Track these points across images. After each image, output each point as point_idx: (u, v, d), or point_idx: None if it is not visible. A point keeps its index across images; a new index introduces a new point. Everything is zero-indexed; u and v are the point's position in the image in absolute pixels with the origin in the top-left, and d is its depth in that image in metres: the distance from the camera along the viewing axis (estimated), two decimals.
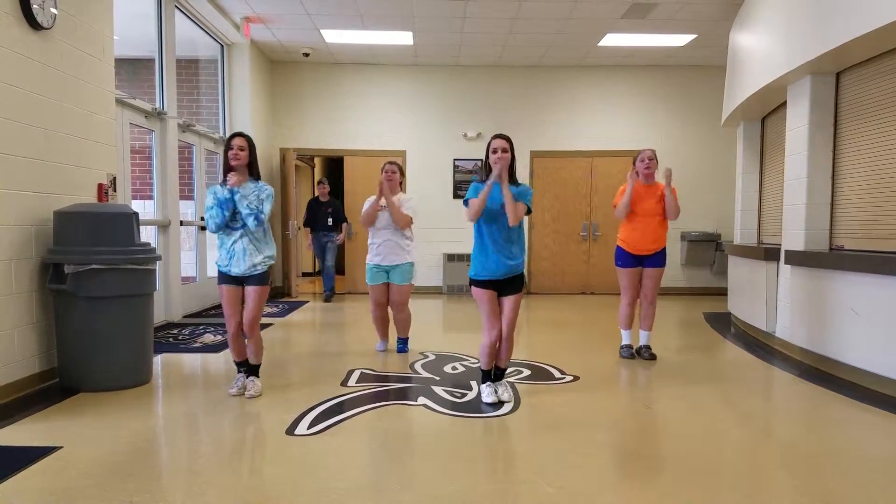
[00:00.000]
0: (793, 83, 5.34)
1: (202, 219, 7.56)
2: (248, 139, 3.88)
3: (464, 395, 3.96)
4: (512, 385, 4.17)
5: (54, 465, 2.78)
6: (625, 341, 5.17)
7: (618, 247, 5.07)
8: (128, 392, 3.98)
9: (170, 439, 3.22)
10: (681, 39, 8.36)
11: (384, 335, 5.33)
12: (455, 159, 9.81)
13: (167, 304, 6.58)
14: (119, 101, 5.52)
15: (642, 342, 5.14)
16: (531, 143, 9.77)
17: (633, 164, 5.01)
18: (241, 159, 3.81)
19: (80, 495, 2.47)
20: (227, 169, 3.83)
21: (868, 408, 3.80)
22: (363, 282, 5.32)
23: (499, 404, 3.73)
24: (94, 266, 3.87)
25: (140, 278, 4.11)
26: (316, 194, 9.25)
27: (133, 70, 7.33)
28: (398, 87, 9.74)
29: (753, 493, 2.59)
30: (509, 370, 4.55)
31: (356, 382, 4.26)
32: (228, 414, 3.58)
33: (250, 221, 3.75)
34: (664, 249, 5.00)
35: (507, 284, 3.69)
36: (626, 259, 5.02)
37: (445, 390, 4.04)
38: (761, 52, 5.89)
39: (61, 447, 2.97)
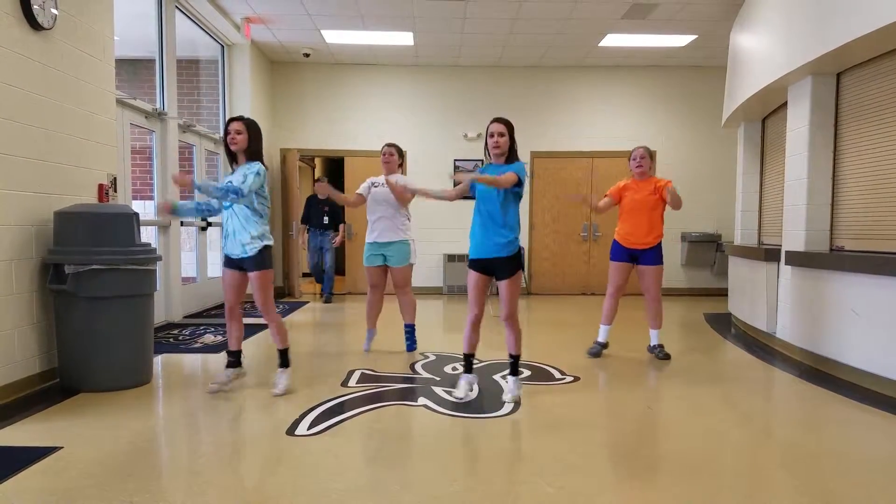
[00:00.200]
0: (793, 84, 5.34)
1: (203, 219, 7.57)
2: (247, 122, 3.86)
3: (464, 395, 3.95)
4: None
5: (54, 465, 2.78)
6: (600, 338, 5.17)
7: (614, 240, 5.13)
8: (128, 392, 3.98)
9: (170, 439, 3.22)
10: (681, 40, 8.36)
11: (373, 323, 5.31)
12: (455, 160, 9.81)
13: (167, 305, 6.58)
14: (119, 102, 5.52)
15: (653, 342, 5.14)
16: (531, 143, 9.77)
17: (629, 161, 5.06)
18: (239, 143, 3.80)
19: (80, 495, 2.47)
20: (228, 153, 3.86)
21: (868, 408, 3.80)
22: (363, 282, 5.32)
23: (500, 405, 3.73)
24: (94, 266, 3.87)
25: (140, 278, 4.12)
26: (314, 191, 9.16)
27: (133, 70, 7.33)
28: (398, 87, 9.74)
29: (753, 493, 2.59)
30: (509, 370, 4.55)
31: (356, 383, 4.26)
32: (229, 414, 3.58)
33: (230, 197, 3.71)
34: (659, 246, 5.00)
35: (500, 268, 3.70)
36: (617, 253, 5.07)
37: (446, 391, 4.04)
38: (762, 52, 5.89)
39: (61, 447, 2.97)
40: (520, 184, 3.63)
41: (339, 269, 10.69)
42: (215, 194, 3.70)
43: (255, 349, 5.36)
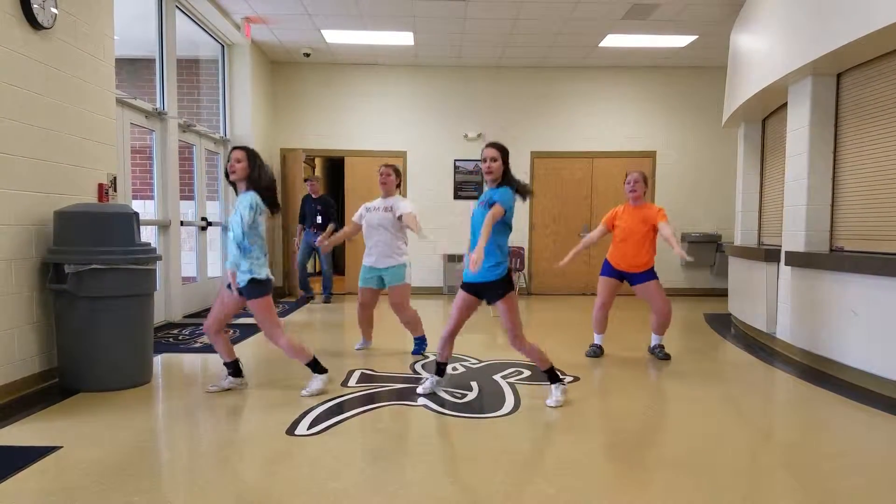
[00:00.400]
0: (793, 84, 5.34)
1: (203, 219, 7.56)
2: (248, 151, 3.87)
3: (464, 395, 3.96)
4: (512, 386, 4.17)
5: (54, 465, 2.78)
6: (596, 342, 5.22)
7: (605, 259, 5.18)
8: (128, 392, 3.98)
9: (170, 439, 3.22)
10: (682, 40, 8.36)
11: (367, 337, 5.35)
12: (456, 160, 9.81)
13: (167, 305, 6.58)
14: (119, 101, 5.52)
15: (654, 342, 5.15)
16: (532, 143, 9.78)
17: (623, 184, 5.07)
18: (238, 171, 3.81)
19: (79, 495, 2.47)
20: (229, 182, 3.90)
21: (868, 409, 3.80)
22: None
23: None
24: (94, 266, 3.87)
25: (140, 278, 4.12)
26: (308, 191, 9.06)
27: (133, 70, 7.32)
28: (399, 87, 9.74)
29: (753, 493, 2.59)
30: (509, 370, 4.56)
31: (356, 383, 4.26)
32: (228, 414, 3.58)
33: (244, 247, 3.78)
34: (651, 269, 5.02)
35: (488, 291, 3.73)
36: (606, 269, 5.13)
37: (445, 391, 4.04)
38: (762, 53, 5.89)
39: (61, 447, 2.97)
40: (506, 212, 3.65)
41: (339, 269, 10.69)
42: (239, 254, 3.76)
43: (256, 349, 5.36)
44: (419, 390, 3.95)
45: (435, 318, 7.40)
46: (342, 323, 7.10)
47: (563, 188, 9.89)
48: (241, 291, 3.82)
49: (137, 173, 6.69)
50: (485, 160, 3.69)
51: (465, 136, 9.75)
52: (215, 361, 4.88)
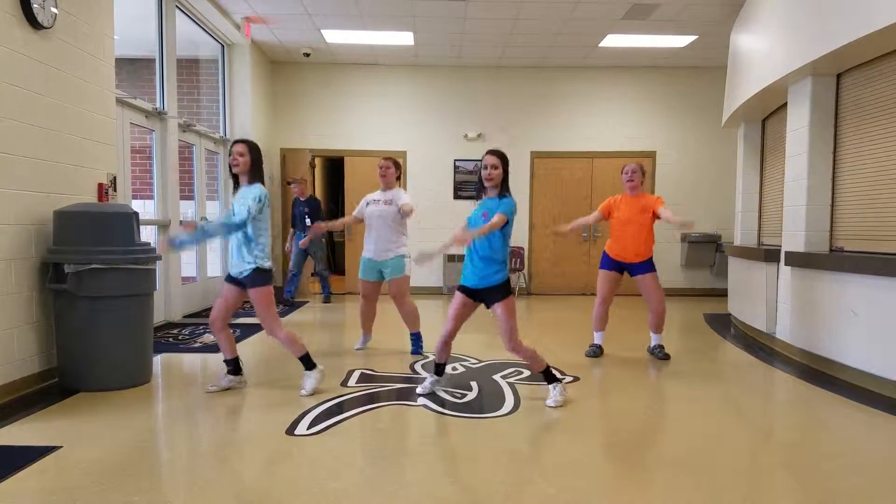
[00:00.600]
0: (793, 84, 5.34)
1: (202, 218, 7.56)
2: (250, 144, 3.90)
3: (464, 395, 3.96)
4: (512, 386, 4.17)
5: (54, 464, 2.78)
6: (596, 341, 5.22)
7: (604, 251, 5.20)
8: (127, 392, 3.97)
9: (169, 439, 3.22)
10: (681, 40, 8.36)
11: (368, 330, 5.35)
12: (455, 160, 9.81)
13: (167, 304, 6.58)
14: (119, 101, 5.52)
15: (653, 342, 5.15)
16: (532, 143, 9.78)
17: (621, 174, 5.09)
18: (241, 165, 3.84)
19: (79, 495, 2.47)
20: (231, 175, 3.91)
21: (867, 409, 3.80)
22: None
23: (499, 405, 3.73)
24: (94, 266, 3.87)
25: (140, 278, 4.11)
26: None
27: (133, 70, 7.32)
28: (399, 87, 9.74)
29: (753, 493, 2.59)
30: (509, 370, 4.56)
31: (356, 383, 4.26)
32: (228, 414, 3.58)
33: (234, 231, 3.82)
34: (650, 259, 5.05)
35: (488, 295, 3.74)
36: (606, 262, 5.13)
37: (445, 391, 4.04)
38: (762, 53, 5.89)
39: (61, 447, 2.97)
40: (507, 223, 3.67)
41: (339, 269, 10.70)
42: (221, 232, 3.88)
43: (256, 349, 5.36)
44: (418, 390, 3.96)
45: (435, 317, 7.41)
46: (342, 323, 7.10)
47: (563, 188, 9.89)
48: (244, 281, 3.84)
49: (137, 173, 6.68)
50: (485, 167, 3.69)
51: (465, 136, 9.75)
52: (215, 361, 4.88)
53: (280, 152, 9.65)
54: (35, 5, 3.93)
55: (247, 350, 5.26)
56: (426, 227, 9.32)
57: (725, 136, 9.32)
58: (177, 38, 6.76)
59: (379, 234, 5.01)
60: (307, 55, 9.14)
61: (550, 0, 6.99)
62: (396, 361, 4.92)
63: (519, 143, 9.55)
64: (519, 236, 9.67)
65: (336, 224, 5.37)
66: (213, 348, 5.31)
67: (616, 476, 2.79)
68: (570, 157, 9.86)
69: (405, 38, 8.37)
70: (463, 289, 3.81)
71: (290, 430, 3.25)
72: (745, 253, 6.51)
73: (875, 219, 4.56)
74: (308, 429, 3.29)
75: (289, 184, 8.95)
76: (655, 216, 4.91)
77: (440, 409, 3.67)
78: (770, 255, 5.72)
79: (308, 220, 8.18)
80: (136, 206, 5.83)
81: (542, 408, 3.73)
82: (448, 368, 4.64)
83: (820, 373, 4.70)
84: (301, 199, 8.38)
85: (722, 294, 8.30)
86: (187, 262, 7.43)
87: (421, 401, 3.82)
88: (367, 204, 5.11)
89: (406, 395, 3.98)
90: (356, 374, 4.47)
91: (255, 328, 6.04)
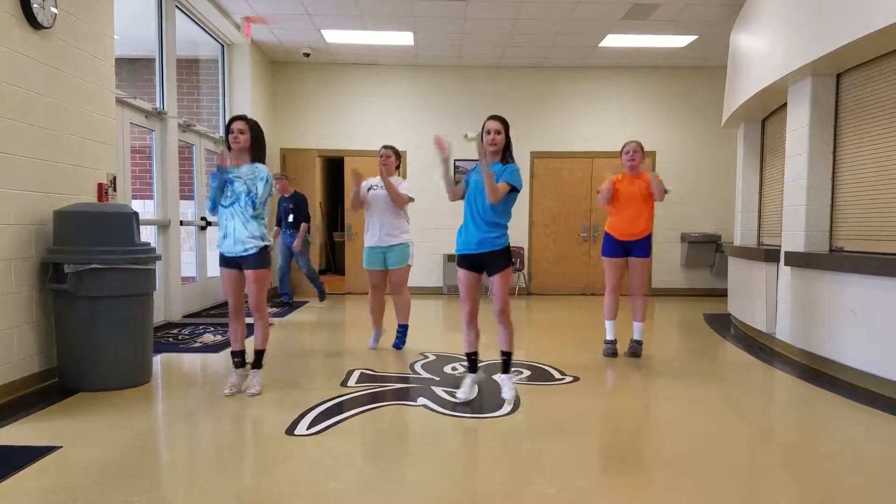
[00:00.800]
0: (793, 84, 5.34)
1: (202, 219, 7.56)
2: (250, 122, 3.89)
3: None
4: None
5: (53, 464, 2.78)
6: (609, 336, 5.19)
7: (605, 234, 5.17)
8: (127, 392, 3.97)
9: (169, 439, 3.22)
10: (681, 40, 8.36)
11: (379, 323, 5.36)
12: (455, 160, 9.80)
13: (167, 304, 6.58)
14: (119, 101, 5.52)
15: (635, 336, 5.16)
16: (532, 143, 9.77)
17: (620, 155, 5.08)
18: (242, 142, 3.82)
19: (79, 495, 2.47)
20: (230, 150, 3.87)
21: (867, 409, 3.80)
22: (363, 282, 5.33)
23: (499, 405, 3.73)
24: (94, 266, 3.87)
25: (140, 278, 4.11)
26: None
27: (133, 70, 7.32)
28: (399, 87, 9.74)
29: (753, 493, 2.59)
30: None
31: (356, 383, 4.26)
32: (228, 414, 3.57)
33: (242, 198, 3.78)
34: (650, 237, 5.08)
35: (489, 262, 3.71)
36: (611, 248, 5.11)
37: (445, 391, 4.04)
38: (762, 53, 5.89)
39: (60, 447, 2.97)
40: (514, 190, 3.66)
41: (339, 269, 10.69)
42: (238, 187, 3.78)
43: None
44: (460, 397, 3.79)
45: (435, 318, 7.41)
46: (342, 323, 7.10)
47: (562, 188, 9.89)
48: (247, 260, 3.83)
49: (137, 173, 6.69)
50: (489, 132, 3.68)
51: (465, 136, 9.70)
52: (215, 361, 4.89)
53: (280, 152, 9.65)
54: (35, 5, 3.93)
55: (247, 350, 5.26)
56: (426, 228, 9.32)
57: (725, 136, 9.32)
58: (177, 38, 6.76)
59: (382, 218, 5.04)
60: (307, 55, 9.14)
61: (550, 0, 6.99)
62: (396, 361, 4.92)
63: (519, 144, 9.38)
64: (519, 236, 9.67)
65: (354, 196, 5.10)
66: (212, 348, 5.31)
67: (616, 476, 2.79)
68: (570, 157, 9.86)
69: (405, 38, 8.37)
70: (464, 260, 3.75)
71: (290, 431, 3.25)
72: (745, 253, 6.51)
73: (875, 219, 4.56)
74: (308, 429, 3.29)
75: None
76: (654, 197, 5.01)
77: (440, 409, 3.67)
78: (770, 255, 5.72)
79: (291, 217, 7.93)
80: (136, 206, 5.83)
81: (543, 408, 3.73)
82: (448, 368, 4.65)
83: (820, 373, 4.70)
84: (285, 195, 8.08)
85: (722, 294, 8.30)
86: (187, 262, 7.43)
87: (421, 401, 3.81)
88: (368, 189, 5.11)
89: (406, 395, 3.98)
90: (356, 374, 4.47)
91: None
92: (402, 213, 5.13)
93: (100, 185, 4.72)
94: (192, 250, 7.69)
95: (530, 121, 9.76)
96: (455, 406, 3.73)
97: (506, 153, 3.75)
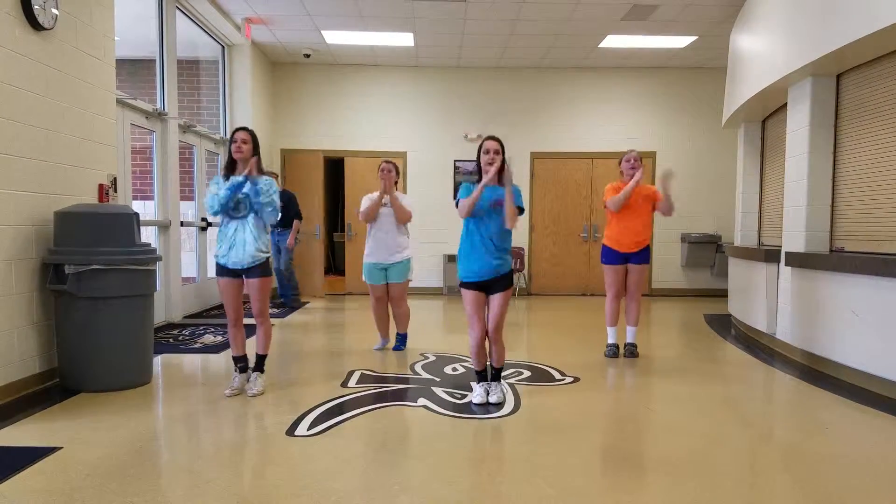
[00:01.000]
0: (793, 85, 5.34)
1: (203, 219, 7.56)
2: (252, 133, 3.94)
3: (464, 396, 3.96)
4: (512, 386, 4.17)
5: (54, 465, 2.78)
6: (610, 340, 5.22)
7: (604, 245, 5.15)
8: (128, 393, 3.97)
9: (170, 440, 3.22)
10: (681, 41, 8.36)
11: (385, 334, 5.40)
12: (455, 160, 9.81)
13: (167, 305, 6.59)
14: (120, 102, 5.52)
15: (629, 339, 5.18)
16: (531, 144, 9.78)
17: (619, 164, 5.08)
18: (244, 153, 3.86)
19: (79, 496, 2.47)
20: (231, 162, 3.89)
21: (868, 409, 3.80)
22: (364, 283, 5.34)
23: (496, 405, 3.73)
24: (94, 266, 3.87)
25: (140, 279, 4.12)
26: None
27: (134, 71, 7.33)
28: (399, 88, 9.74)
29: (753, 495, 2.59)
30: (509, 371, 4.56)
31: (356, 383, 4.26)
32: (229, 415, 3.58)
33: (268, 213, 3.87)
34: (648, 247, 5.10)
35: (496, 284, 3.72)
36: (612, 257, 5.10)
37: (446, 391, 4.04)
38: (762, 53, 5.89)
39: (61, 448, 2.97)
40: (521, 211, 3.68)
41: (339, 270, 10.69)
42: (263, 201, 3.82)
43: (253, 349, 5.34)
44: (476, 400, 3.78)
45: (435, 319, 7.41)
46: (342, 323, 7.10)
47: (562, 189, 9.89)
48: (253, 270, 3.88)
49: (138, 174, 6.69)
50: (487, 152, 3.66)
51: (465, 136, 9.76)
52: (215, 362, 4.89)
53: (280, 153, 9.66)
54: (36, 6, 3.94)
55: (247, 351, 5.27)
56: (426, 228, 9.33)
57: (726, 137, 9.33)
58: (177, 39, 6.77)
59: (386, 236, 5.05)
60: (307, 56, 9.15)
61: (550, 1, 7.00)
62: (396, 362, 4.92)
63: (519, 144, 9.54)
64: (519, 237, 9.67)
65: (376, 202, 5.01)
66: (212, 349, 5.31)
67: (616, 477, 2.79)
68: (570, 158, 9.86)
69: (405, 39, 8.37)
70: (474, 285, 3.72)
71: (291, 431, 3.25)
72: (746, 253, 6.51)
73: (875, 219, 4.56)
74: (308, 429, 3.29)
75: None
76: (654, 206, 5.03)
77: (440, 409, 3.67)
78: (770, 255, 5.72)
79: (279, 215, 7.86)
80: (137, 206, 5.84)
81: (543, 408, 3.73)
82: (448, 369, 4.65)
83: (820, 373, 4.70)
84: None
85: (722, 294, 8.30)
86: (187, 262, 7.44)
87: (421, 401, 3.81)
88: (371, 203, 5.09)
89: (406, 395, 3.98)
90: (356, 375, 4.47)
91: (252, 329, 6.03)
92: (404, 230, 5.14)
93: (100, 185, 4.73)
94: (193, 251, 7.70)
95: (530, 121, 9.77)
96: (455, 407, 3.73)
97: (501, 174, 3.71)
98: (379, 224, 5.06)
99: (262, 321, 3.99)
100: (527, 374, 4.55)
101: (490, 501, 2.48)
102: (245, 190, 3.81)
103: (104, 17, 4.80)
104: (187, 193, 7.42)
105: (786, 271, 5.39)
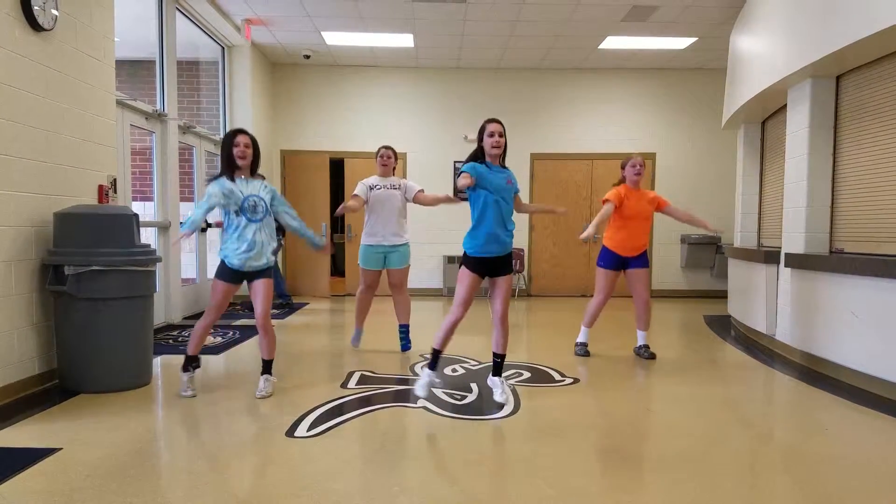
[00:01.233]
0: (793, 86, 5.35)
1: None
2: (253, 138, 3.91)
3: (464, 397, 3.96)
4: (512, 387, 4.17)
5: (54, 466, 2.78)
6: (581, 339, 5.25)
7: (604, 247, 5.14)
8: (128, 394, 3.97)
9: (169, 441, 3.22)
10: (681, 42, 8.37)
11: (361, 323, 5.35)
12: (455, 161, 9.81)
13: (167, 306, 6.58)
14: (120, 103, 5.52)
15: (640, 342, 5.19)
16: (531, 145, 9.78)
17: (622, 168, 5.08)
18: (248, 157, 3.83)
19: (79, 497, 2.47)
20: (231, 164, 3.79)
21: (867, 411, 3.80)
22: None
23: (499, 405, 3.73)
24: (94, 267, 3.87)
25: (140, 280, 4.12)
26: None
27: (134, 71, 7.33)
28: (399, 89, 9.75)
29: (753, 495, 2.59)
30: (509, 371, 4.56)
31: (356, 384, 4.26)
32: (228, 416, 3.57)
33: (296, 223, 4.02)
34: (646, 251, 5.14)
35: (502, 264, 3.75)
36: (610, 260, 5.10)
37: (445, 392, 4.04)
38: (762, 55, 5.89)
39: (61, 449, 2.97)
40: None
41: (339, 271, 10.70)
42: (289, 213, 4.03)
43: (253, 350, 5.35)
44: (419, 393, 3.78)
45: (436, 319, 7.41)
46: (342, 324, 7.10)
47: (562, 190, 9.90)
48: (260, 274, 3.90)
49: (137, 175, 6.69)
50: (492, 134, 3.64)
51: (465, 137, 9.75)
52: (215, 363, 4.89)
53: (280, 154, 9.66)
54: (36, 7, 3.94)
55: (246, 352, 5.26)
56: (426, 229, 9.33)
57: (725, 138, 9.33)
58: (177, 40, 6.77)
59: (389, 217, 5.03)
60: (307, 57, 9.15)
61: (550, 2, 7.00)
62: (396, 363, 4.92)
63: (519, 145, 9.54)
64: (519, 238, 9.66)
65: (346, 208, 4.91)
66: (212, 350, 5.31)
67: (616, 478, 2.79)
68: (570, 159, 9.87)
69: (405, 41, 8.38)
70: (479, 265, 3.70)
71: (291, 432, 3.25)
72: (746, 254, 6.51)
73: (875, 220, 4.56)
74: (308, 430, 3.29)
75: None
76: (660, 209, 5.07)
77: (440, 410, 3.67)
78: (770, 256, 5.72)
79: None
80: (137, 207, 5.84)
81: (543, 409, 3.73)
82: (448, 370, 4.65)
83: (820, 374, 4.70)
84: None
85: (722, 296, 8.30)
86: (187, 263, 7.43)
87: (421, 402, 3.81)
88: (371, 189, 5.05)
89: (406, 396, 3.97)
90: (356, 376, 4.47)
91: (253, 330, 6.03)
92: (405, 213, 5.15)
93: (100, 186, 4.73)
94: (193, 252, 7.70)
95: (530, 123, 9.77)
96: (455, 408, 3.73)
97: (504, 155, 3.77)
98: (378, 209, 5.03)
99: (268, 326, 3.95)
100: (527, 375, 4.55)
101: (490, 502, 2.48)
102: (262, 195, 3.84)
103: (104, 18, 4.81)
104: (187, 194, 7.42)
105: (785, 272, 5.40)
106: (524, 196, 9.86)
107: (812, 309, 4.94)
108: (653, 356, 5.10)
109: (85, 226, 3.99)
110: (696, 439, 3.27)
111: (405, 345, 5.29)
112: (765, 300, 5.82)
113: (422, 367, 3.91)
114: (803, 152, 5.16)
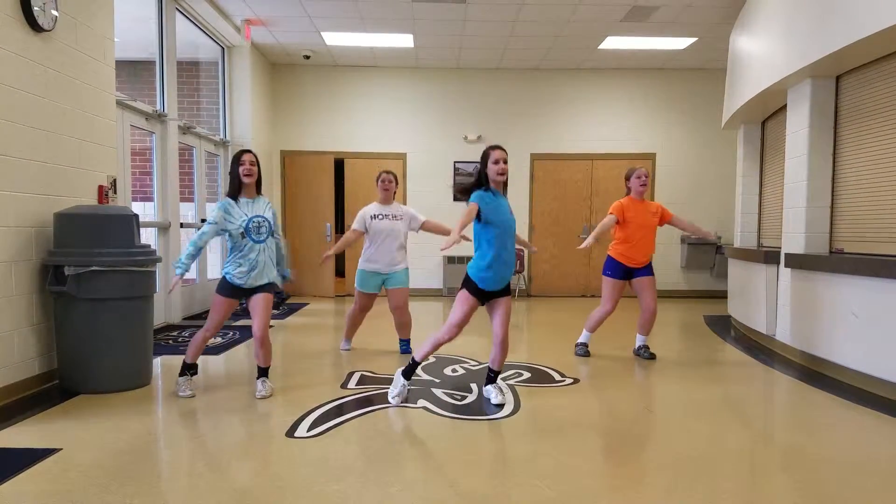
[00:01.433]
0: (793, 86, 5.35)
1: (202, 221, 7.56)
2: (256, 156, 3.99)
3: (464, 397, 3.96)
4: (512, 388, 4.17)
5: (54, 467, 2.78)
6: (582, 339, 5.27)
7: (611, 258, 5.12)
8: (128, 394, 3.97)
9: (169, 442, 3.22)
10: (681, 42, 8.37)
11: (351, 336, 5.41)
12: (455, 162, 9.81)
13: (167, 307, 6.58)
14: (120, 103, 5.52)
15: (639, 343, 5.20)
16: (531, 145, 9.78)
17: (627, 179, 5.08)
18: (254, 175, 3.90)
19: (79, 497, 2.47)
20: (238, 183, 3.89)
21: (867, 411, 3.80)
22: None
23: (498, 406, 3.73)
24: (94, 268, 3.87)
25: (140, 280, 4.12)
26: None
27: (134, 72, 7.33)
28: (399, 89, 9.75)
29: (753, 496, 2.59)
30: (509, 372, 4.56)
31: (356, 384, 4.26)
32: (228, 416, 3.57)
33: (277, 251, 4.07)
34: (651, 261, 5.18)
35: (500, 293, 3.78)
36: (618, 271, 5.10)
37: (445, 393, 4.04)
38: (761, 55, 5.90)
39: (61, 449, 2.97)
40: None
41: (340, 271, 10.70)
42: (279, 259, 4.12)
43: (252, 351, 5.34)
44: (395, 400, 3.78)
45: (436, 320, 7.41)
46: (342, 325, 7.07)
47: (562, 190, 9.90)
48: (267, 288, 3.96)
49: (137, 175, 6.69)
50: (497, 161, 3.62)
51: (465, 137, 9.76)
52: (215, 363, 4.89)
53: (280, 154, 9.66)
54: (36, 8, 3.94)
55: (244, 352, 5.26)
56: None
57: (725, 138, 9.33)
58: (177, 41, 6.77)
59: (389, 248, 5.04)
60: (307, 57, 9.15)
61: (550, 2, 7.00)
62: (396, 363, 4.91)
63: (519, 145, 9.55)
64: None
65: (339, 247, 5.04)
66: (212, 350, 5.31)
67: (616, 478, 2.79)
68: (570, 159, 9.87)
69: (405, 41, 8.38)
70: (484, 294, 3.73)
71: (291, 433, 3.25)
72: (745, 255, 6.51)
73: (875, 221, 4.56)
74: (308, 431, 3.29)
75: None
76: (664, 222, 5.15)
77: (440, 410, 3.67)
78: (770, 256, 5.72)
79: None
80: (137, 208, 5.84)
81: (543, 410, 3.73)
82: (448, 370, 4.65)
83: (819, 375, 4.70)
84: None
85: (722, 296, 8.30)
86: None
87: (421, 403, 3.81)
88: (372, 218, 5.03)
89: (406, 397, 3.97)
90: (356, 376, 4.47)
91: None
92: (406, 244, 5.15)
93: (100, 187, 4.73)
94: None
95: (530, 123, 9.77)
96: (455, 408, 3.73)
97: (506, 184, 3.77)
98: (378, 238, 5.01)
99: (265, 339, 3.94)
100: (526, 375, 4.55)
101: (490, 502, 2.48)
102: (265, 215, 3.92)
103: (104, 19, 4.81)
104: (187, 195, 7.42)
105: (785, 273, 5.40)
106: (524, 196, 9.96)
107: (812, 309, 4.94)
108: (653, 356, 5.10)
109: (85, 226, 3.99)
110: (696, 439, 3.27)
111: (404, 349, 5.31)
112: (765, 300, 5.83)
113: (399, 372, 3.89)
114: (803, 152, 5.16)
